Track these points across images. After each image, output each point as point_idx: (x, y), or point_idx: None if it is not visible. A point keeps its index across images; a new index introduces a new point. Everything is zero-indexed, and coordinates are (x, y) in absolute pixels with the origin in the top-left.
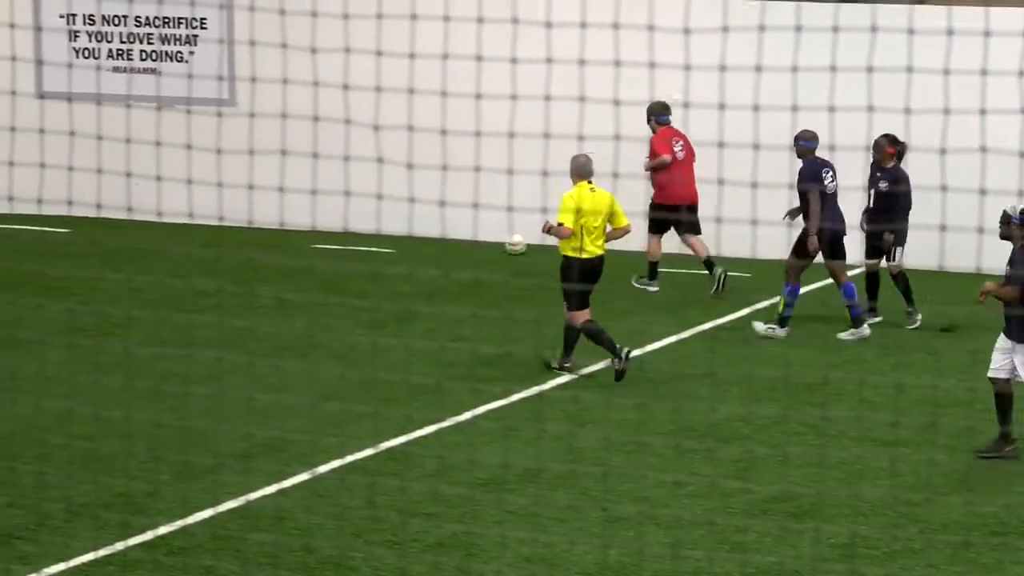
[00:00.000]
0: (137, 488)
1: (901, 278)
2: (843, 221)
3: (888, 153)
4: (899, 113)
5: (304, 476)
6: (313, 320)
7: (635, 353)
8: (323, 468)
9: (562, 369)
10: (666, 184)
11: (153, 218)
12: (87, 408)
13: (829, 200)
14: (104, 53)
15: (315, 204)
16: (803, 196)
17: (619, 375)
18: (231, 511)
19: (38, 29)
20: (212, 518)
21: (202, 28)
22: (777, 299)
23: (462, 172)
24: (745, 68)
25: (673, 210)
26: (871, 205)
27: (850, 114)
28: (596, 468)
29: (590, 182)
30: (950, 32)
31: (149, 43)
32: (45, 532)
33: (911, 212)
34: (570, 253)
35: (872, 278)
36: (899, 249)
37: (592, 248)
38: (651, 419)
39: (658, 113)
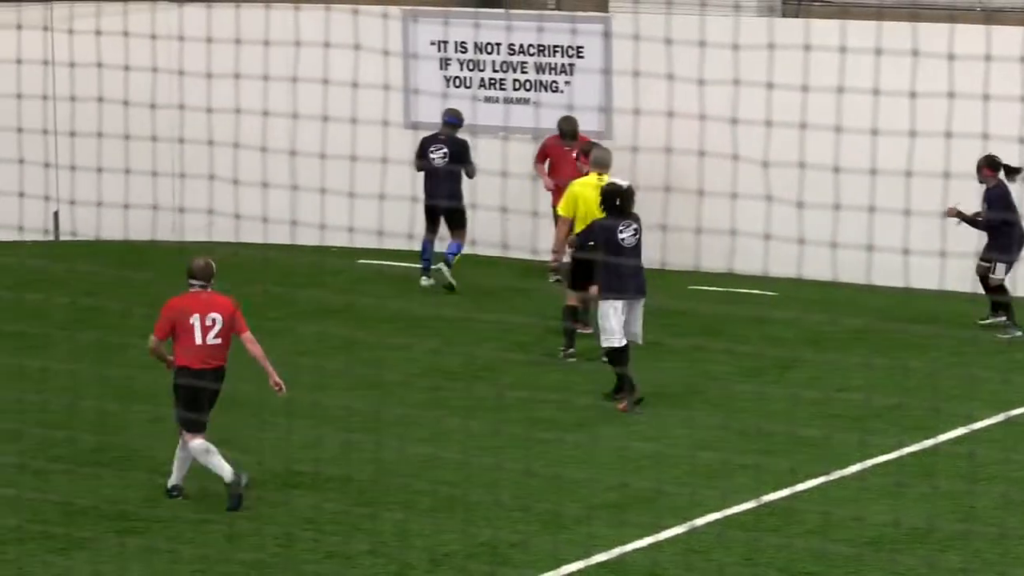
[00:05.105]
0: (504, 538)
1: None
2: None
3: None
4: None
5: (680, 530)
6: (692, 366)
7: None
8: (700, 522)
9: None
10: None
11: (528, 256)
12: (454, 453)
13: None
14: (476, 82)
15: (699, 243)
16: None
17: None
18: (602, 564)
19: (410, 57)
20: (582, 571)
21: (579, 57)
22: None
23: (853, 212)
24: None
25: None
26: None
27: None
28: (992, 528)
29: None
30: None
31: (524, 72)
32: None
33: None
34: None
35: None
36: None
37: None
38: None
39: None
